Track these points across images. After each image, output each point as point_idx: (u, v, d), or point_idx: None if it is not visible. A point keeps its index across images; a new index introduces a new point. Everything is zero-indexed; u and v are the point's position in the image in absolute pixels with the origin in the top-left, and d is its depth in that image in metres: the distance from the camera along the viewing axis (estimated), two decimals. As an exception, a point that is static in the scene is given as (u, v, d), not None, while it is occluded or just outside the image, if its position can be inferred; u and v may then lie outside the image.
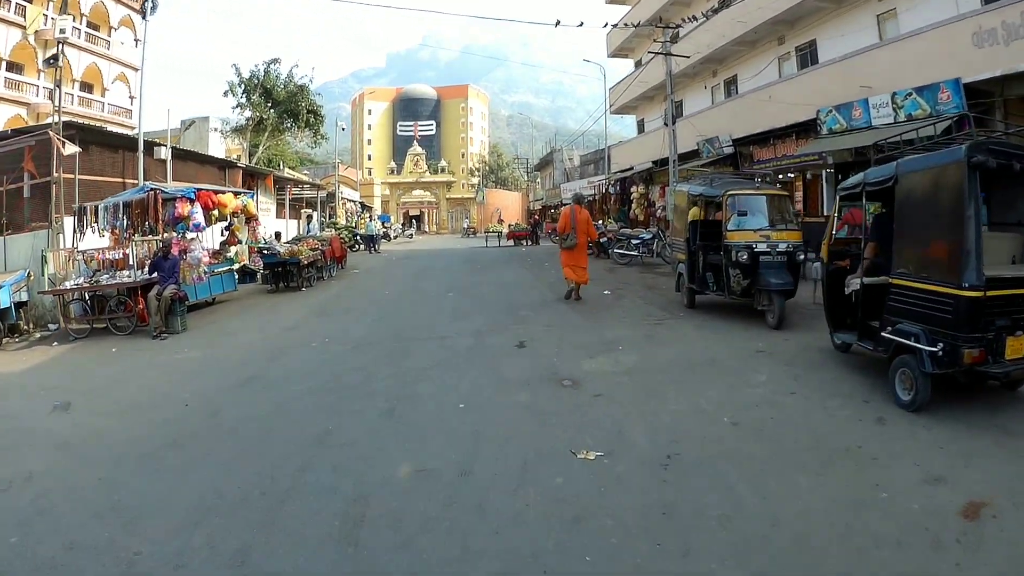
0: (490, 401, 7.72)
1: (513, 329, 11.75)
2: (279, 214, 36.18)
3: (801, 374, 8.25)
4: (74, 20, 37.88)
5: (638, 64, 41.08)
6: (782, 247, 11.25)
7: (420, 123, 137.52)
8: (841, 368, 8.46)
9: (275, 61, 41.54)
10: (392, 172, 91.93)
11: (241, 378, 9.35)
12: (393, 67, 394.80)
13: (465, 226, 73.35)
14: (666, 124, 27.00)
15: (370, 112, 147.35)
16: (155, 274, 13.84)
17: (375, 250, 37.83)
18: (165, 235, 14.79)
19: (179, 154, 25.16)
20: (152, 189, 15.52)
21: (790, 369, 8.53)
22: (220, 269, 17.45)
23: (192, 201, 15.69)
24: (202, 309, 16.22)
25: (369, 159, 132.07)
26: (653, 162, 33.01)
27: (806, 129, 21.63)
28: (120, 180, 20.28)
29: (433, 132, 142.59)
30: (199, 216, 15.59)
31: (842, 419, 6.62)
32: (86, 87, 40.80)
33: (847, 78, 19.48)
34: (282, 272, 19.30)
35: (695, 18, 26.38)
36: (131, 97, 42.43)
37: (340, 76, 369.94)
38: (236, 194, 17.85)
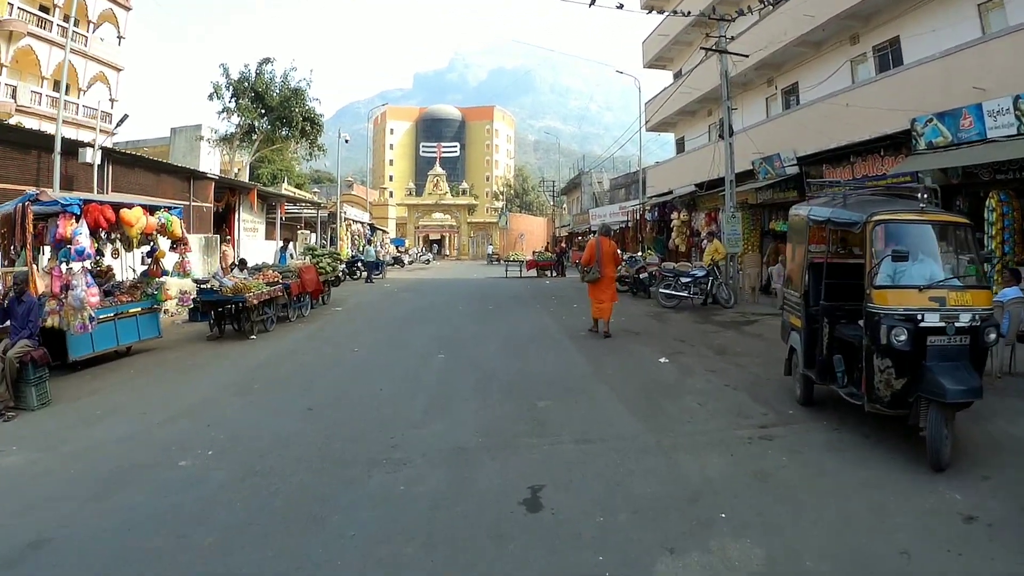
0: None
1: (523, 449, 6.92)
2: (269, 235, 31.88)
3: None
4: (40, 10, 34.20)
5: (677, 76, 36.84)
6: (964, 320, 6.30)
7: (444, 144, 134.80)
8: None
9: (268, 61, 37.14)
10: (410, 193, 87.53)
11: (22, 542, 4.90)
12: (420, 88, 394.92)
13: (489, 252, 69.28)
14: (721, 136, 22.43)
15: (392, 131, 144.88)
16: (7, 322, 9.52)
17: (372, 279, 33.60)
18: (20, 268, 10.31)
19: (123, 159, 20.85)
20: (30, 198, 11.04)
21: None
22: (135, 309, 12.97)
23: (77, 217, 11.14)
24: (105, 364, 11.91)
25: (390, 179, 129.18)
26: (696, 185, 28.43)
27: (896, 144, 17.40)
28: (32, 188, 15.87)
29: (457, 154, 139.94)
30: (83, 239, 11.00)
31: None
32: (60, 87, 36.85)
33: (950, 79, 15.43)
34: (230, 312, 14.82)
35: (746, 11, 22.16)
36: (112, 100, 38.46)
37: (367, 96, 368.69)
38: (152, 209, 13.23)
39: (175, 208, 14.08)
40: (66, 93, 37.25)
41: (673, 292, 19.58)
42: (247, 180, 40.01)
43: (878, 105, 17.13)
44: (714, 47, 22.03)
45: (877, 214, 6.87)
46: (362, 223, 49.56)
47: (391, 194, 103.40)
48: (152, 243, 13.81)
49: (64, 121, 35.55)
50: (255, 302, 14.66)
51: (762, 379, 9.84)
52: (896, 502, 5.44)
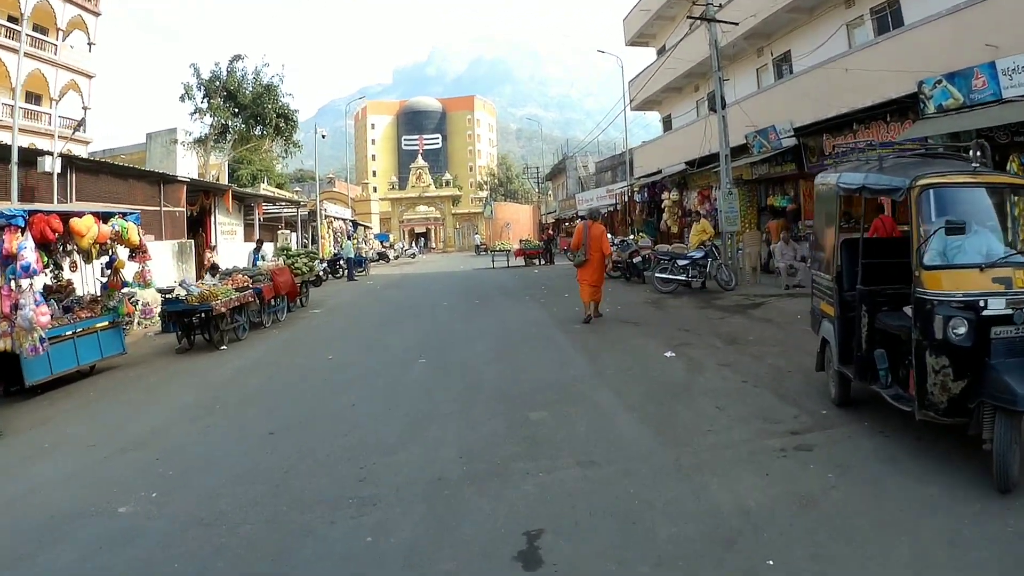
0: None
1: (515, 477, 5.75)
2: (248, 237, 30.69)
3: None
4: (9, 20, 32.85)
5: (661, 52, 35.70)
6: (1038, 306, 5.29)
7: (425, 137, 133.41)
8: None
9: (239, 58, 35.69)
10: (393, 187, 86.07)
11: None
12: (400, 83, 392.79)
13: (477, 243, 68.01)
14: (712, 109, 21.39)
15: (373, 126, 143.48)
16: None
17: (354, 277, 32.47)
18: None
19: (87, 167, 19.69)
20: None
21: None
22: (95, 325, 11.88)
23: (21, 230, 9.98)
24: (66, 386, 10.90)
25: (374, 175, 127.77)
26: (687, 163, 27.35)
27: (902, 109, 16.26)
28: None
29: (439, 145, 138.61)
30: (28, 253, 9.85)
31: None
32: (32, 98, 35.60)
33: (960, 37, 14.26)
34: (199, 322, 13.67)
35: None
36: (84, 108, 37.16)
37: (347, 93, 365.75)
38: (105, 217, 12.05)
39: (131, 214, 12.91)
40: (38, 103, 36.20)
41: (670, 276, 18.48)
42: (226, 182, 38.84)
43: (882, 68, 16.05)
44: (702, 16, 20.87)
45: (923, 177, 5.66)
46: (344, 220, 48.27)
47: (375, 189, 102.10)
48: (111, 253, 12.69)
49: (36, 132, 34.67)
50: (223, 310, 13.51)
51: (783, 372, 8.76)
52: (971, 530, 4.39)
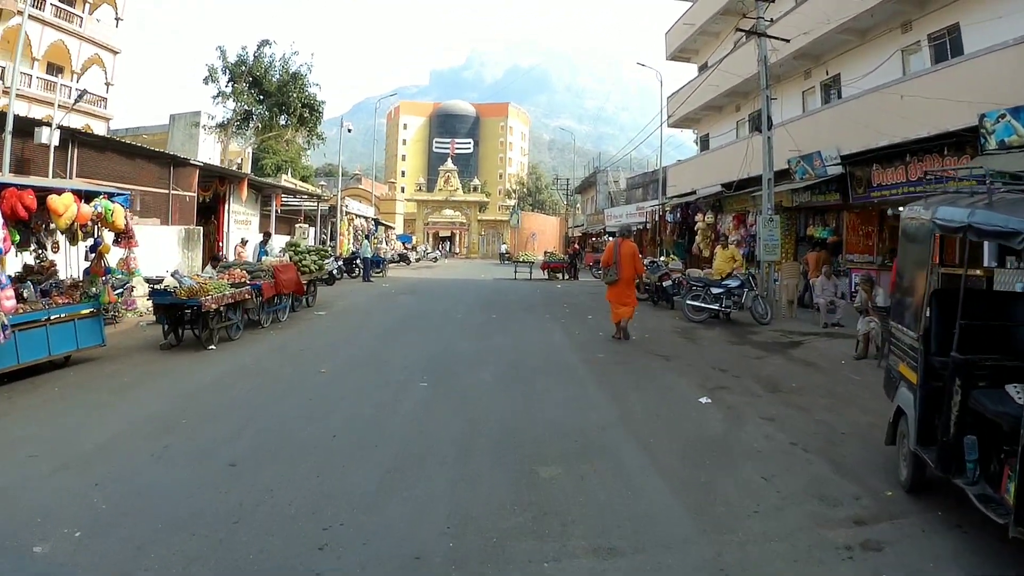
0: None
1: (515, 566, 4.49)
2: (262, 228, 29.73)
3: None
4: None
5: (702, 69, 34.53)
6: None
7: (457, 140, 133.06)
8: None
9: (266, 43, 34.76)
10: (420, 188, 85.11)
11: None
12: (436, 85, 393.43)
13: (502, 251, 66.71)
14: (758, 130, 20.20)
15: (405, 126, 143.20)
16: None
17: (370, 278, 31.40)
18: None
19: (92, 142, 18.76)
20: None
21: None
22: (78, 312, 10.91)
23: (-8, 205, 8.97)
24: (35, 377, 9.92)
25: (403, 175, 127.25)
26: (723, 185, 26.10)
27: (959, 143, 15.04)
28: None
29: (471, 150, 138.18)
30: (-9, 232, 8.82)
31: None
32: (54, 70, 34.88)
33: None
34: (189, 317, 12.58)
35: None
36: (107, 84, 36.39)
37: (383, 92, 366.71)
38: (89, 196, 10.99)
39: (120, 195, 11.83)
40: (59, 75, 35.43)
41: (702, 304, 17.24)
42: (250, 170, 37.97)
43: (940, 96, 14.78)
44: (752, 29, 19.66)
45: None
46: (366, 218, 47.26)
47: (403, 189, 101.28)
48: (96, 236, 11.63)
49: (52, 104, 33.87)
50: (214, 307, 12.41)
51: (836, 433, 7.47)
52: None
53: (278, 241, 27.66)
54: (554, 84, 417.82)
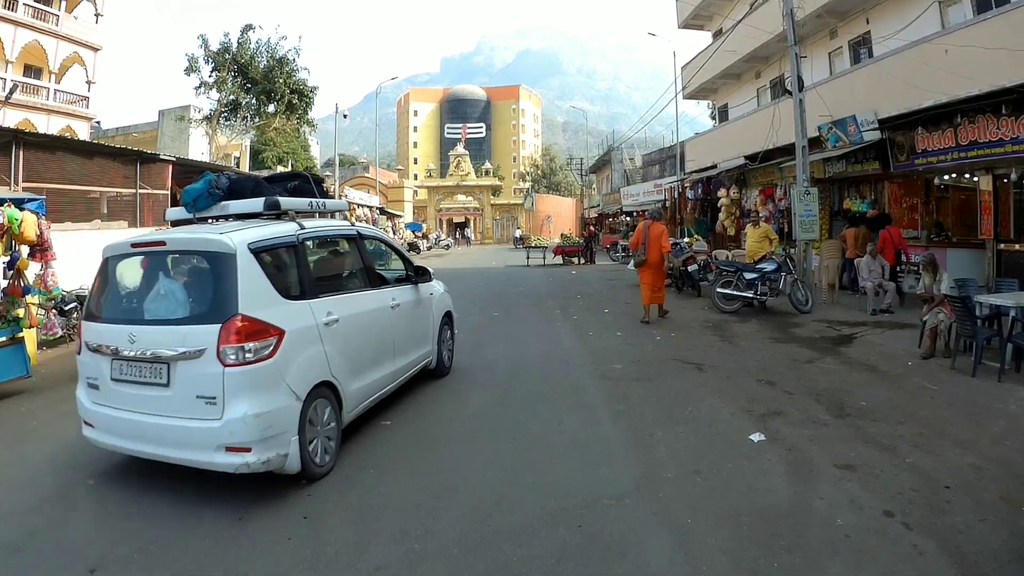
0: None
1: None
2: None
3: None
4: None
5: (717, 36, 32.26)
6: None
7: (469, 125, 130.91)
8: None
9: (250, 28, 32.68)
10: (430, 175, 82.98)
11: None
12: (447, 72, 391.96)
13: (517, 235, 64.32)
14: (788, 91, 18.04)
15: (416, 113, 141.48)
16: None
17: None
18: None
19: (40, 142, 16.91)
20: None
21: None
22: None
23: None
24: None
25: (415, 162, 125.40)
26: (747, 157, 23.91)
27: (1019, 102, 12.93)
28: None
29: (483, 135, 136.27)
30: None
31: None
32: (32, 71, 33.19)
33: None
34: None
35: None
36: (88, 82, 34.62)
37: (394, 81, 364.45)
38: (-9, 203, 9.12)
39: (33, 200, 9.91)
40: (38, 77, 33.76)
41: (735, 292, 15.13)
42: (247, 164, 36.05)
43: (995, 46, 12.62)
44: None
45: None
46: (370, 207, 45.19)
47: (415, 176, 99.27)
48: (13, 250, 9.75)
49: (32, 107, 32.25)
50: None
51: (938, 488, 5.37)
52: None
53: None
54: (565, 67, 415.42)
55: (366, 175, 63.54)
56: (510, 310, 16.99)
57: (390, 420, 7.63)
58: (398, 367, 7.84)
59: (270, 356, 5.46)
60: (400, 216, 61.71)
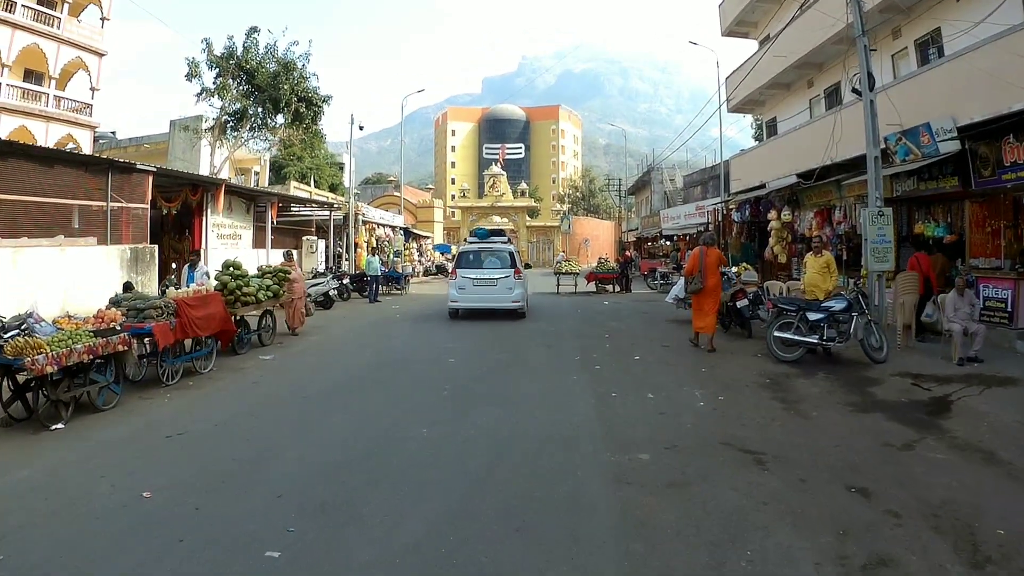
0: None
1: None
2: (258, 242, 25.71)
3: None
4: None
5: (763, 43, 29.69)
6: None
7: (507, 145, 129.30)
8: None
9: (255, 31, 30.61)
10: (464, 195, 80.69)
11: None
12: (489, 93, 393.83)
13: (558, 260, 61.22)
14: (856, 92, 15.42)
15: (454, 133, 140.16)
16: None
17: (377, 298, 27.31)
18: None
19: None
20: None
21: None
22: None
23: None
24: None
25: (452, 182, 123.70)
26: (799, 175, 21.26)
27: None
28: None
29: (522, 155, 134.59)
30: None
31: None
32: (32, 77, 31.65)
33: None
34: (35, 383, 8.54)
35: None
36: (92, 89, 32.97)
37: (436, 101, 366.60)
38: None
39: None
40: (40, 83, 32.21)
41: (796, 337, 12.36)
42: (266, 179, 34.07)
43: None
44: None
45: None
46: (393, 227, 42.78)
47: (452, 196, 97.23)
48: None
49: (33, 114, 30.63)
50: (50, 369, 8.13)
51: None
52: None
53: (275, 256, 23.77)
54: (607, 89, 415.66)
55: (395, 193, 61.33)
56: (519, 354, 14.30)
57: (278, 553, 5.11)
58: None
59: (520, 277, 20.75)
60: (428, 237, 59.33)
